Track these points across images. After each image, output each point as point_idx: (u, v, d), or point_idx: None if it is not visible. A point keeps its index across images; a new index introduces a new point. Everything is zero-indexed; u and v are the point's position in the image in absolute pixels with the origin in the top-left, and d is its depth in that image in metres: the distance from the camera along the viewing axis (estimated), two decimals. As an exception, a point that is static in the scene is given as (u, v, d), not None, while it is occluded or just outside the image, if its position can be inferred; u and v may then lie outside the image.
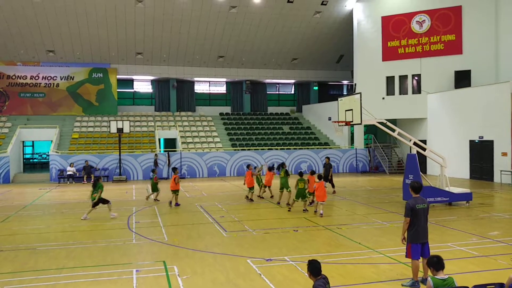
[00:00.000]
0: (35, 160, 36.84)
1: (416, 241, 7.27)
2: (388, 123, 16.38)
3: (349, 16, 31.27)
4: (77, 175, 25.84)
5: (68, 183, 25.47)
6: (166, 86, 36.91)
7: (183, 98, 37.36)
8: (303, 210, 14.46)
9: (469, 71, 26.36)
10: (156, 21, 30.33)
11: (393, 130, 16.31)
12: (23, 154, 31.58)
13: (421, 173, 15.09)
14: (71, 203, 17.49)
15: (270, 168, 17.93)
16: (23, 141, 30.34)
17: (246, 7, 29.83)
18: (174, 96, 36.89)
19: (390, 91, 28.60)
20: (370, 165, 30.64)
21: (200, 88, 38.51)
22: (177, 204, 16.20)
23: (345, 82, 40.83)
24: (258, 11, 30.41)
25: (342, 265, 8.53)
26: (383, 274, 7.89)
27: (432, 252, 6.86)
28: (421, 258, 7.34)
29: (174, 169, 16.83)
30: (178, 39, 32.40)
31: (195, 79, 37.21)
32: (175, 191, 16.18)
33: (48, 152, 29.45)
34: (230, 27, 31.70)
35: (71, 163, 25.92)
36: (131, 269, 8.42)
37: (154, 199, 17.55)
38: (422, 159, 21.89)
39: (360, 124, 16.06)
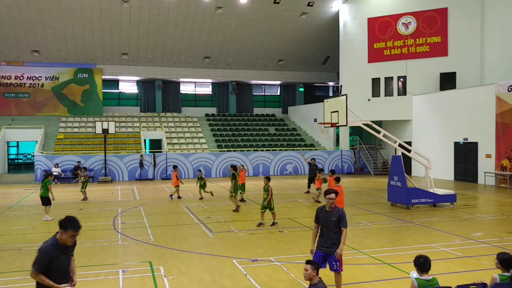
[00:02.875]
0: (20, 161, 36.26)
1: None
2: (374, 125, 16.53)
3: (335, 17, 31.54)
4: (62, 175, 25.53)
5: (53, 183, 25.08)
6: (151, 86, 36.69)
7: (168, 99, 37.18)
8: (258, 224, 12.39)
9: (454, 73, 26.80)
10: (142, 22, 30.14)
11: (379, 132, 16.49)
12: (8, 154, 31.15)
13: (406, 174, 15.30)
14: (56, 204, 17.23)
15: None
16: (7, 142, 29.97)
17: (232, 7, 29.85)
18: (160, 96, 36.69)
19: (375, 93, 28.92)
20: (355, 166, 30.92)
21: (186, 89, 38.37)
22: (179, 197, 18.30)
23: (331, 83, 41.13)
24: (244, 12, 30.45)
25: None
26: (368, 275, 7.99)
27: (417, 253, 6.96)
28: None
29: (175, 166, 19.23)
30: (164, 39, 32.25)
31: (181, 80, 37.07)
32: (177, 187, 18.19)
33: (33, 153, 29.02)
34: (216, 27, 31.68)
35: (56, 164, 25.59)
36: (117, 270, 8.37)
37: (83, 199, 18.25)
38: (407, 160, 22.22)
39: (346, 125, 16.17)
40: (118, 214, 14.76)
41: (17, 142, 35.70)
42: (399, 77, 28.46)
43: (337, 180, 13.18)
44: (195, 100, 38.65)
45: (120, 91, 36.94)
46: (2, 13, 27.86)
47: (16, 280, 7.88)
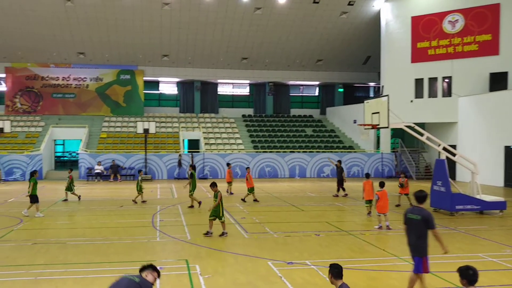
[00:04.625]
0: (65, 158, 37.80)
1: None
2: (416, 127, 15.98)
3: (377, 16, 30.78)
4: (105, 173, 26.38)
5: (96, 181, 26.01)
6: (190, 88, 37.25)
7: (206, 99, 37.62)
8: (205, 233, 11.19)
9: (506, 73, 25.33)
10: (182, 24, 30.65)
11: (422, 134, 15.91)
12: (55, 152, 32.54)
13: (450, 179, 14.64)
14: (99, 200, 17.86)
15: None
16: (54, 140, 31.29)
17: (271, 8, 29.79)
18: (198, 98, 37.19)
19: (418, 94, 27.92)
20: (396, 170, 30.01)
21: (223, 90, 38.69)
22: (231, 193, 19.56)
23: (371, 84, 40.24)
24: (283, 12, 30.30)
25: (365, 271, 8.35)
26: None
27: (462, 262, 6.58)
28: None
29: (228, 164, 20.73)
30: (203, 41, 32.65)
31: (219, 81, 37.42)
32: (229, 183, 19.48)
33: (77, 151, 30.20)
34: (255, 28, 31.73)
35: (98, 162, 26.50)
36: (155, 267, 8.47)
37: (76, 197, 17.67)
38: (451, 165, 21.24)
39: (387, 127, 15.74)
40: (157, 211, 15.02)
41: (63, 140, 37.24)
42: (444, 78, 27.35)
43: (382, 185, 12.72)
44: (232, 101, 38.88)
45: (160, 92, 37.77)
46: (51, 17, 29.15)
47: (60, 272, 8.16)
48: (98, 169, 26.22)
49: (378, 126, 16.06)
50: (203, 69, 36.12)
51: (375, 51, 33.50)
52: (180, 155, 27.93)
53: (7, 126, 25.73)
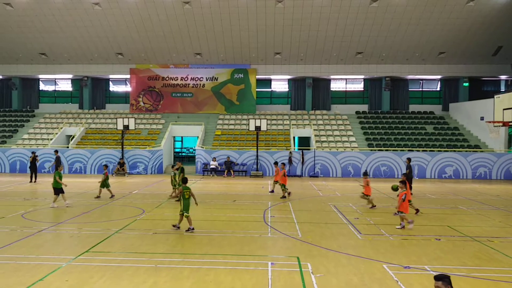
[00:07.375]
0: (183, 154, 40.85)
1: None
2: (562, 124, 13.80)
3: (511, 1, 27.28)
4: (219, 168, 27.86)
5: (211, 176, 27.61)
6: (302, 85, 37.33)
7: (318, 96, 37.32)
8: (174, 225, 11.65)
9: None
10: (295, 21, 30.81)
11: None
12: (174, 148, 35.36)
13: None
14: (213, 194, 18.86)
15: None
16: (173, 137, 33.96)
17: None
18: (310, 94, 37.06)
19: None
20: (533, 172, 26.39)
21: (336, 86, 37.95)
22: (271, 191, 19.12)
23: (503, 77, 35.89)
24: (402, 3, 28.59)
25: (494, 281, 7.55)
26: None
27: None
28: None
29: (275, 163, 19.59)
30: (316, 37, 32.42)
31: (331, 77, 36.82)
32: (277, 182, 18.35)
33: (194, 147, 32.41)
34: (370, 21, 30.48)
35: (213, 158, 28.07)
36: (266, 262, 8.63)
37: (110, 196, 17.15)
38: None
39: (523, 124, 13.89)
40: (268, 207, 15.33)
41: (181, 137, 40.23)
42: None
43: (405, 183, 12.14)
44: (345, 97, 37.97)
45: (272, 90, 38.56)
46: (171, 21, 31.49)
47: (178, 261, 8.74)
48: (213, 164, 27.79)
49: (510, 123, 14.33)
50: (315, 65, 35.92)
51: (507, 41, 29.93)
52: (290, 152, 28.20)
53: (131, 124, 28.98)
